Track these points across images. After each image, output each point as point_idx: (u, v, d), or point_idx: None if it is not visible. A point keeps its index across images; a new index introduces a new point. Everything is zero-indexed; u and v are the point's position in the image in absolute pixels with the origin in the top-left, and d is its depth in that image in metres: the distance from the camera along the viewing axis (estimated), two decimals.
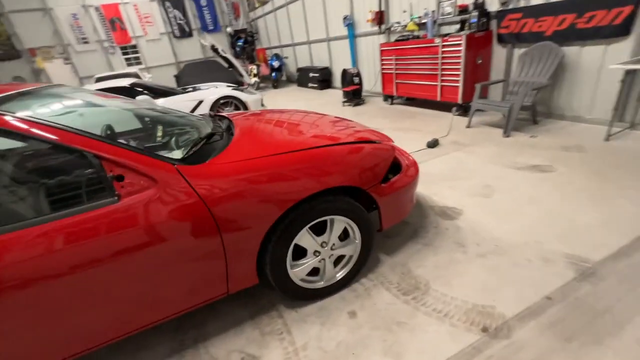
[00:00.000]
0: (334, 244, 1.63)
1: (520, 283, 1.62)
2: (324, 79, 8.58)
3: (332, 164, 1.50)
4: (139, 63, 12.52)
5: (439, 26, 4.91)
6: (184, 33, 12.99)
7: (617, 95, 2.99)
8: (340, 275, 1.72)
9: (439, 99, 4.73)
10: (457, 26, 4.54)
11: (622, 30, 3.09)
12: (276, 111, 2.59)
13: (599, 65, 3.35)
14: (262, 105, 6.37)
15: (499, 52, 4.31)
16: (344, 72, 6.63)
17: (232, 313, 1.67)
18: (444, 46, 4.36)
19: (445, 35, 4.46)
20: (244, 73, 7.25)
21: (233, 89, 5.81)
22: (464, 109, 4.40)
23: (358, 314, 1.58)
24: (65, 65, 11.55)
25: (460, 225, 2.14)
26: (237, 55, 12.22)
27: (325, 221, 1.56)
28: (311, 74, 8.93)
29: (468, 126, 4.04)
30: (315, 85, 8.91)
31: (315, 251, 1.59)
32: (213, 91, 5.64)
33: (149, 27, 12.34)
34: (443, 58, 4.43)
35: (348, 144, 1.65)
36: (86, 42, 11.63)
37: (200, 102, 5.43)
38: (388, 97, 5.94)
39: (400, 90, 5.51)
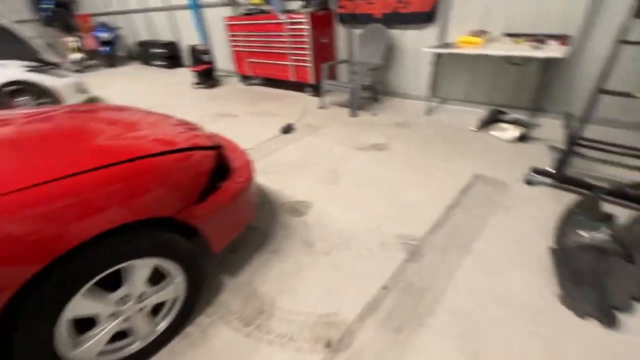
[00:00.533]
0: (142, 294, 1.23)
1: (361, 276, 1.62)
2: (171, 56, 7.35)
3: (105, 196, 1.05)
4: None
5: (284, 1, 4.68)
6: None
7: (430, 75, 3.46)
8: (163, 326, 1.34)
9: (293, 79, 4.61)
10: (303, 2, 4.41)
11: (429, 18, 3.54)
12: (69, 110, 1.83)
13: (417, 48, 3.80)
14: (84, 91, 4.93)
15: (342, 33, 4.44)
16: (192, 49, 5.77)
17: None
18: (290, 23, 4.17)
19: (291, 11, 4.27)
20: (41, 47, 5.34)
21: (29, 70, 4.23)
22: (316, 90, 4.43)
23: None
24: None
25: (309, 221, 2.05)
26: (48, 23, 9.21)
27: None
28: (155, 50, 7.51)
29: (321, 107, 4.07)
30: (163, 63, 7.57)
31: (112, 314, 1.16)
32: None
33: None
34: (291, 36, 4.26)
35: (127, 162, 1.15)
36: None
37: None
38: (245, 78, 5.50)
39: (255, 70, 5.15)
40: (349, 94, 3.67)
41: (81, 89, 4.81)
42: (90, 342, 1.13)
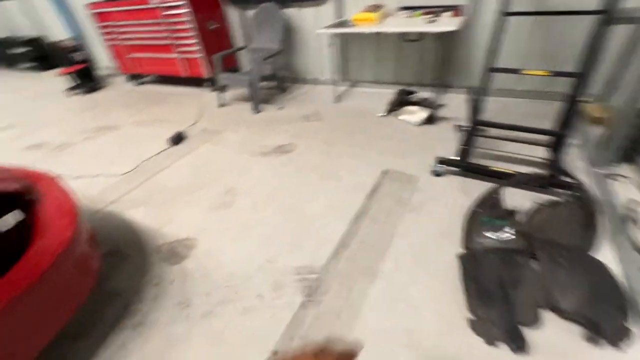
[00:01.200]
0: None
1: (249, 343, 1.28)
2: (40, 56, 5.97)
3: None
4: None
5: None
6: None
7: (333, 58, 3.14)
8: None
9: (185, 74, 3.95)
10: None
11: None
12: None
13: (315, 29, 3.43)
14: None
15: (234, 16, 3.86)
16: (56, 47, 4.67)
17: None
18: (165, 8, 3.47)
19: None
20: None
21: None
22: (215, 84, 3.85)
23: None
24: None
25: (189, 267, 1.63)
26: None
27: None
28: (17, 50, 6.02)
29: (222, 105, 3.54)
30: (30, 65, 6.13)
31: None
32: None
33: None
34: (170, 24, 3.57)
35: None
36: None
37: None
38: (133, 77, 4.63)
39: (140, 67, 4.34)
40: (247, 87, 3.20)
41: None
42: None
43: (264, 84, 3.68)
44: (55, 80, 4.75)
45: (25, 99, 4.68)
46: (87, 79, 4.72)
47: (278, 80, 3.68)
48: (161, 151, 2.75)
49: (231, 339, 1.30)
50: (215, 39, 3.72)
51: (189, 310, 1.42)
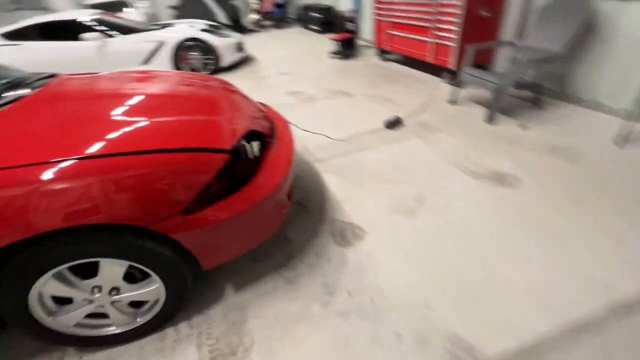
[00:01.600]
0: (116, 289, 1.19)
1: None
2: (326, 21, 7.39)
3: (69, 192, 0.98)
4: None
5: None
6: None
7: None
8: (141, 321, 1.31)
9: (430, 60, 3.78)
10: None
11: None
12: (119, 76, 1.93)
13: None
14: (241, 50, 5.57)
15: (515, 3, 3.21)
16: (337, 16, 5.56)
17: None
18: None
19: None
20: (216, 10, 6.18)
21: (203, 30, 5.03)
22: (455, 78, 3.49)
23: None
24: None
25: (350, 257, 1.61)
26: None
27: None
28: (313, 14, 7.72)
29: (453, 101, 3.20)
30: (317, 28, 7.75)
31: (85, 299, 1.17)
32: (177, 31, 4.91)
33: None
34: (438, 6, 3.39)
35: (119, 155, 1.05)
36: None
37: (162, 43, 4.76)
38: (382, 52, 4.93)
39: (392, 44, 4.51)
40: (492, 91, 2.68)
41: (238, 49, 5.44)
42: (64, 316, 1.18)
43: (514, 91, 3.00)
44: (327, 43, 5.73)
45: (303, 53, 5.98)
46: (348, 47, 5.45)
47: (535, 92, 2.90)
48: (374, 130, 2.82)
49: (350, 355, 1.20)
50: (479, 28, 3.28)
51: (329, 298, 1.42)
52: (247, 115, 1.60)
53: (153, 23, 5.96)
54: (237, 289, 1.51)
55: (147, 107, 1.41)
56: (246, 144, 1.43)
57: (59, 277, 1.09)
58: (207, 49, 4.99)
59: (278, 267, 1.60)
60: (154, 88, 1.69)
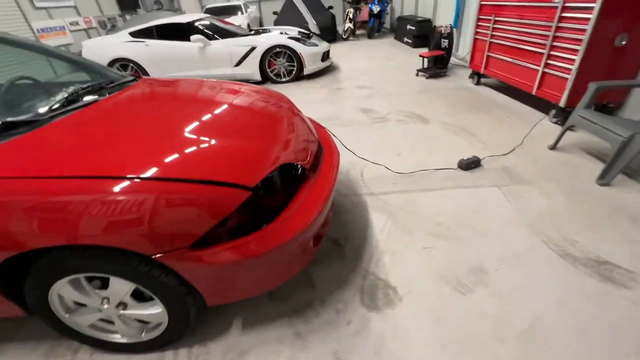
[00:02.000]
0: (124, 304, 1.20)
1: None
2: (420, 35, 6.95)
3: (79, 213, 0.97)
4: None
5: None
6: None
7: None
8: (146, 337, 1.30)
9: (534, 91, 3.16)
10: None
11: None
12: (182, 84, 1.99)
13: None
14: (326, 59, 5.61)
15: None
16: (433, 30, 5.14)
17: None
18: (567, 9, 2.70)
19: None
20: (308, 18, 6.25)
21: (292, 37, 5.19)
22: (565, 117, 2.83)
23: None
24: None
25: (373, 325, 1.36)
26: None
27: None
28: (408, 26, 7.35)
29: (552, 147, 2.59)
30: (410, 41, 7.35)
31: (95, 307, 1.20)
32: (269, 37, 5.17)
33: None
34: (560, 30, 2.78)
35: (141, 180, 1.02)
36: None
37: (253, 48, 5.07)
38: (475, 75, 4.36)
39: (490, 68, 3.93)
40: (616, 144, 2.05)
41: (324, 58, 5.48)
42: (79, 317, 1.23)
43: None
44: (417, 58, 5.35)
45: (389, 67, 5.71)
46: (438, 65, 5.00)
47: None
48: (445, 168, 2.44)
49: None
50: (610, 59, 2.59)
51: None
52: (292, 144, 1.48)
53: (252, 28, 6.41)
54: (244, 326, 1.41)
55: (193, 126, 1.40)
56: (277, 176, 1.31)
57: (75, 283, 1.13)
58: (292, 56, 5.15)
59: (292, 313, 1.45)
60: (213, 102, 1.70)
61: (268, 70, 5.25)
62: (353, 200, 2.18)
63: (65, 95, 1.47)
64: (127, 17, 11.13)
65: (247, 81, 5.34)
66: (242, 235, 1.14)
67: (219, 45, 5.08)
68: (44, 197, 0.96)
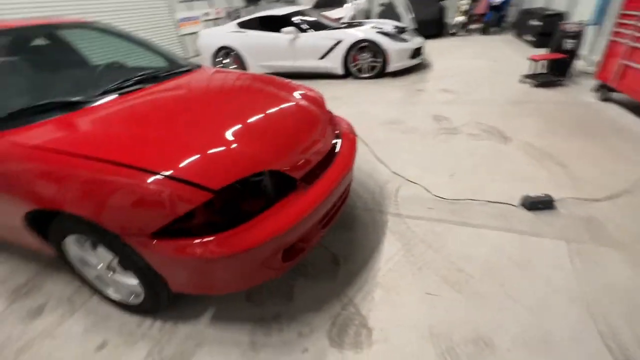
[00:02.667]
0: (113, 270, 1.38)
1: None
2: (546, 32, 5.69)
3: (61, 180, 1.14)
4: None
5: None
6: None
7: None
8: (132, 301, 1.47)
9: None
10: None
11: None
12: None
13: None
14: (417, 56, 5.18)
15: None
16: (557, 28, 4.14)
17: None
18: None
19: None
20: (403, 12, 5.71)
21: (379, 32, 4.93)
22: None
23: (107, 345, 1.38)
24: None
25: None
26: None
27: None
28: (532, 22, 6.11)
29: None
30: (532, 39, 6.13)
31: (93, 265, 1.41)
32: (356, 31, 5.03)
33: None
34: None
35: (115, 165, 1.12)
36: None
37: (339, 42, 5.03)
38: (604, 89, 3.35)
39: (627, 81, 2.95)
40: None
41: (413, 55, 5.07)
42: (84, 269, 1.48)
43: None
44: (525, 61, 4.44)
45: (490, 69, 4.91)
46: (555, 72, 4.05)
47: None
48: (499, 203, 1.99)
49: None
50: None
51: None
52: (290, 151, 1.42)
53: (345, 22, 6.33)
54: (213, 319, 1.46)
55: (188, 121, 1.45)
56: (257, 182, 1.28)
57: (80, 242, 1.35)
58: (377, 52, 4.91)
59: (259, 321, 1.43)
60: (224, 100, 1.77)
61: (351, 65, 5.15)
62: (375, 217, 1.99)
63: (117, 81, 1.71)
64: (249, 7, 12.44)
65: (330, 74, 5.38)
66: (204, 234, 1.15)
67: (308, 37, 5.21)
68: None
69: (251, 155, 1.29)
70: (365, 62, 5.07)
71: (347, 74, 5.30)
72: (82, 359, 1.34)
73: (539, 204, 1.89)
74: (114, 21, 6.86)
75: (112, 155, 1.15)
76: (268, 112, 1.62)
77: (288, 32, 5.18)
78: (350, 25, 5.66)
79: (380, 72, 5.07)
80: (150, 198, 1.09)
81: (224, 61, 5.88)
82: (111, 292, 1.51)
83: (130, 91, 1.67)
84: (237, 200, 1.26)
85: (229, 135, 1.36)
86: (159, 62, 2.27)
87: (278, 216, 1.24)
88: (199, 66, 2.27)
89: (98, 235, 1.22)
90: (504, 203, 1.97)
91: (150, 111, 1.54)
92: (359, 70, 5.18)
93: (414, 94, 4.22)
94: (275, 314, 1.45)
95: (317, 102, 1.90)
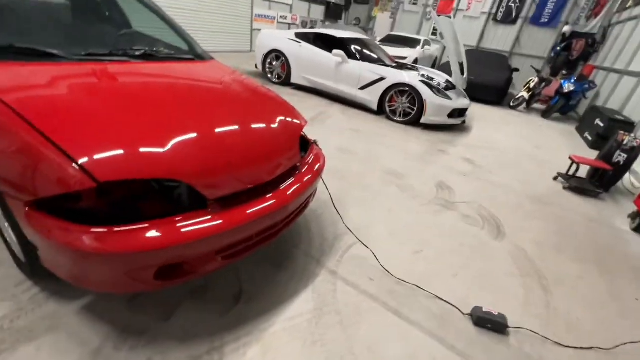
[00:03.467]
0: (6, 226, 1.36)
1: None
2: (604, 135, 5.19)
3: None
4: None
5: None
6: (507, 19, 11.20)
7: None
8: (22, 258, 1.43)
9: None
10: None
11: None
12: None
13: None
14: (457, 117, 4.96)
15: None
16: (614, 135, 3.72)
17: None
18: None
19: None
20: (456, 70, 5.45)
21: (422, 80, 4.78)
22: None
23: None
24: (389, 19, 13.39)
25: None
26: (550, 62, 9.53)
27: None
28: (597, 121, 5.61)
29: None
30: (590, 138, 5.63)
31: None
32: (403, 74, 4.92)
33: (476, 3, 11.52)
34: None
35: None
36: (414, 4, 12.69)
37: (382, 79, 4.97)
38: (638, 217, 2.91)
39: None
40: None
41: (453, 115, 4.86)
42: None
43: None
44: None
45: (529, 157, 4.53)
46: (595, 181, 3.63)
47: None
48: (446, 302, 1.72)
49: None
50: None
51: None
52: (221, 171, 1.33)
53: (400, 62, 6.26)
54: (82, 308, 1.38)
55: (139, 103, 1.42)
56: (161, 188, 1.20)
57: None
58: (416, 100, 4.76)
59: (121, 329, 1.32)
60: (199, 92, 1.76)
61: (387, 104, 5.04)
62: (309, 266, 1.82)
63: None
64: (326, 23, 12.90)
65: (364, 107, 5.30)
66: (82, 222, 1.08)
67: (354, 65, 5.20)
68: None
69: (171, 161, 1.21)
70: (402, 106, 4.93)
71: (381, 112, 5.19)
72: None
73: (489, 323, 1.61)
74: None
75: (26, 110, 1.13)
76: (228, 127, 1.53)
77: (337, 54, 5.22)
78: (402, 66, 5.58)
79: (413, 121, 4.90)
80: (33, 165, 1.04)
81: (273, 63, 6.05)
82: (8, 239, 1.49)
83: (114, 61, 1.70)
84: (137, 197, 1.19)
85: (169, 133, 1.29)
86: (176, 42, 2.33)
87: (164, 229, 1.15)
88: (211, 58, 2.30)
89: None
90: (453, 305, 1.71)
91: (112, 85, 1.54)
92: (393, 112, 5.05)
93: (434, 153, 3.99)
94: (141, 330, 1.33)
95: (290, 131, 1.80)
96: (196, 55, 2.26)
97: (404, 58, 8.16)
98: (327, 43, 5.56)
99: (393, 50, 8.09)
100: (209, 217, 1.24)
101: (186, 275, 1.27)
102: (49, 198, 1.06)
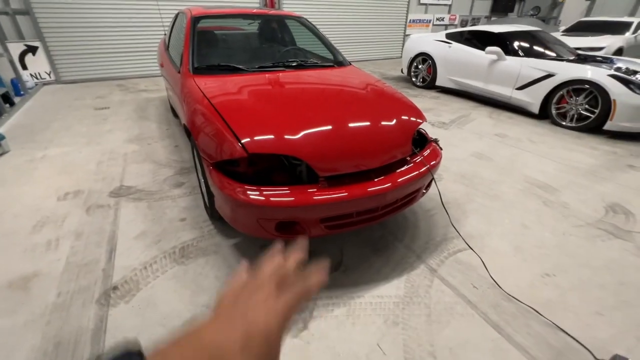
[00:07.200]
0: None
1: None
2: None
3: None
4: None
5: None
6: None
7: None
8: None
9: None
10: None
11: None
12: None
13: None
14: None
15: None
16: None
17: None
18: None
19: None
20: None
21: (613, 75, 3.67)
22: None
23: (187, 219, 2.15)
24: (584, 1, 10.56)
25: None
26: None
27: None
28: None
29: None
30: None
31: None
32: (581, 67, 3.92)
33: None
34: None
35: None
36: None
37: (549, 75, 4.13)
38: None
39: None
40: None
41: None
42: None
43: None
44: None
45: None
46: None
47: None
48: (575, 340, 1.40)
49: None
50: None
51: None
52: (335, 156, 1.61)
53: (586, 54, 4.92)
54: (237, 245, 1.95)
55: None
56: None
57: None
58: (600, 100, 3.71)
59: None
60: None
61: (553, 106, 4.16)
62: (407, 258, 1.86)
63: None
64: (492, 19, 11.47)
65: (521, 109, 4.54)
66: (239, 181, 1.61)
67: (513, 62, 4.52)
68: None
69: (298, 144, 1.58)
70: (575, 108, 3.95)
71: (544, 115, 4.32)
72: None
73: None
74: (355, 4, 8.21)
75: (221, 107, 1.75)
76: (348, 121, 1.80)
77: (491, 52, 4.69)
78: (585, 58, 4.45)
79: (592, 127, 3.84)
80: (220, 141, 1.61)
81: (419, 67, 6.01)
82: (203, 190, 2.26)
83: (274, 70, 2.28)
84: (274, 167, 1.64)
85: (300, 124, 1.69)
86: (323, 54, 2.82)
87: (281, 194, 1.52)
88: (349, 64, 2.67)
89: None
90: (581, 344, 1.38)
91: (268, 88, 2.10)
92: (562, 116, 4.12)
93: (613, 168, 3.05)
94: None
95: (405, 127, 1.89)
96: (337, 62, 2.66)
97: (599, 49, 6.39)
98: (482, 40, 5.05)
99: (583, 41, 6.50)
100: (315, 190, 1.53)
101: (297, 233, 1.61)
102: (222, 161, 1.60)
